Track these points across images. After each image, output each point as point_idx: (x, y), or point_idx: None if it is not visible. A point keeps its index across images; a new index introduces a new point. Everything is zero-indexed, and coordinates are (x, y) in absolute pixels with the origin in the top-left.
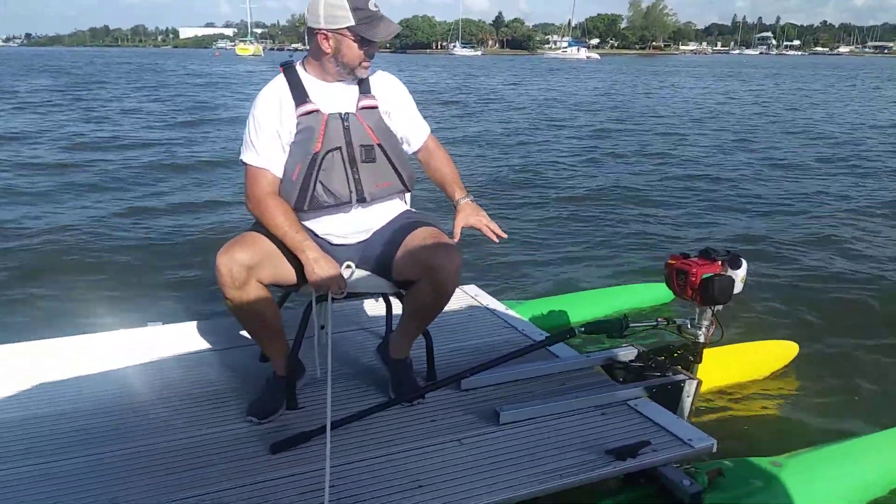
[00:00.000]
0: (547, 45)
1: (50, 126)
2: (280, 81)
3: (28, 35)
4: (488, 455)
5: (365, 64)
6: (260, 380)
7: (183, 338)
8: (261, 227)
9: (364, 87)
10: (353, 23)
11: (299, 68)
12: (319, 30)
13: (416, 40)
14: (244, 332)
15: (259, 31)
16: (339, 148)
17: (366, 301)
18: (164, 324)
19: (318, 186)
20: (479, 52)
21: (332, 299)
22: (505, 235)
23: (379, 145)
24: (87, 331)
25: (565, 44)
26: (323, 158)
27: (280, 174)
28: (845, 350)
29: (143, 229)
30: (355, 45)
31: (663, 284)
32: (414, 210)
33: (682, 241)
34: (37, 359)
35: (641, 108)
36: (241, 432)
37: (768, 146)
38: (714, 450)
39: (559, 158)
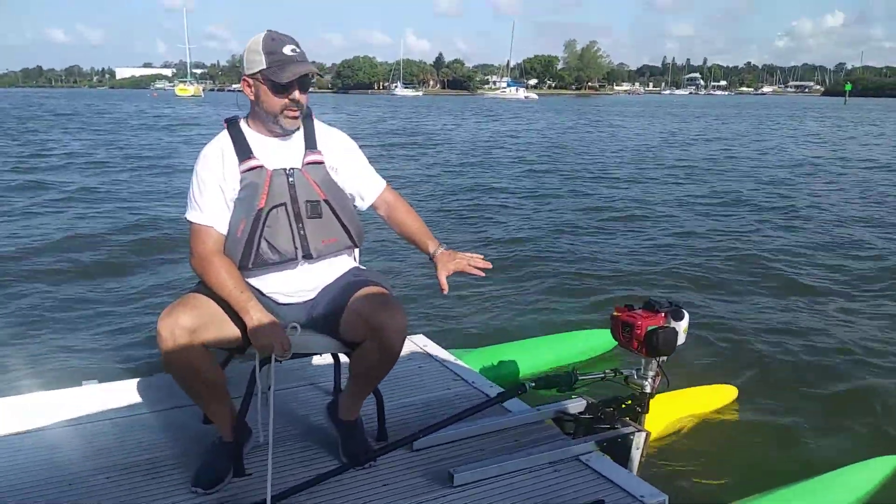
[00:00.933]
0: (486, 86)
1: None
2: (223, 137)
3: None
4: None
5: (288, 113)
6: (202, 444)
7: (120, 397)
8: (204, 287)
9: (310, 142)
10: (264, 66)
11: (243, 124)
12: (243, 77)
13: (357, 81)
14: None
15: (199, 71)
16: (284, 204)
17: (315, 356)
18: (99, 382)
19: (263, 243)
20: (420, 93)
21: (277, 361)
22: (489, 265)
23: (325, 201)
24: (15, 392)
25: (504, 84)
26: (267, 215)
27: (225, 231)
28: (782, 392)
29: (80, 283)
30: (271, 90)
31: (607, 331)
32: (362, 267)
33: (622, 283)
34: None
35: (581, 150)
36: None
37: (703, 185)
38: None
39: (503, 202)
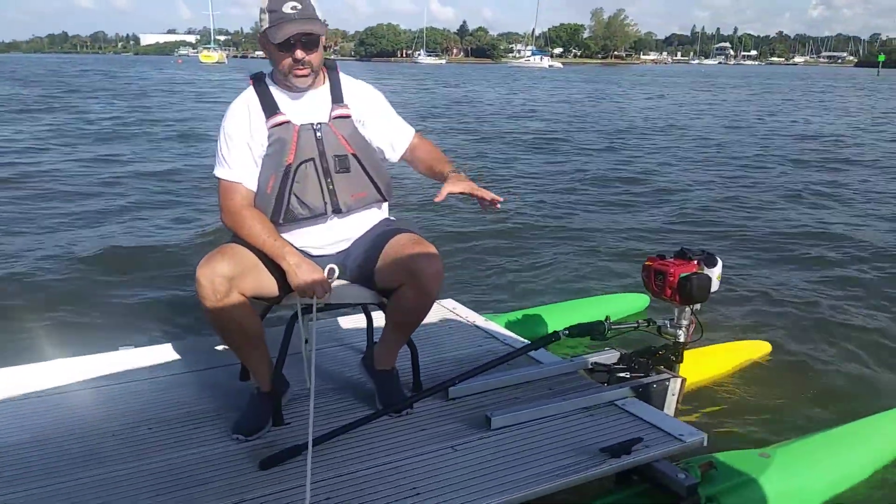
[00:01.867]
0: (511, 54)
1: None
2: (249, 93)
3: None
4: (483, 460)
5: (297, 72)
6: (239, 399)
7: (156, 360)
8: (240, 240)
9: (336, 96)
10: (267, 25)
11: (268, 80)
12: (258, 34)
13: (380, 48)
14: (221, 349)
15: (222, 38)
16: (313, 159)
17: (346, 316)
18: (135, 347)
19: (293, 199)
20: (443, 61)
21: (317, 308)
22: (501, 199)
23: (353, 155)
24: (55, 357)
25: (529, 53)
26: (296, 170)
27: (253, 187)
28: (815, 346)
29: (110, 250)
30: (275, 49)
31: (637, 294)
32: (393, 218)
33: (654, 248)
34: (4, 386)
35: (607, 115)
36: (228, 451)
37: (736, 152)
38: (705, 443)
39: (528, 171)
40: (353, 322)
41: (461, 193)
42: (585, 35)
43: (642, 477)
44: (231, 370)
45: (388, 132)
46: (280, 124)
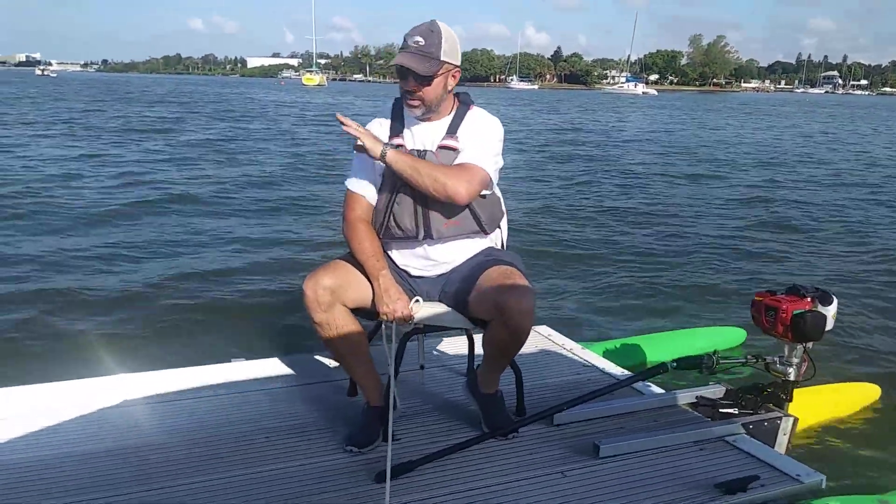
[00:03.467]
0: (605, 81)
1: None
2: (386, 110)
3: (104, 61)
4: (592, 487)
5: (408, 101)
6: (347, 414)
7: (267, 373)
8: (350, 256)
9: (452, 127)
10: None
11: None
12: None
13: (474, 73)
14: (329, 365)
15: (323, 61)
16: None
17: (452, 338)
18: (247, 359)
19: (391, 218)
20: (535, 86)
21: (400, 327)
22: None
23: None
24: (180, 365)
25: (623, 79)
26: (398, 192)
27: (374, 201)
28: None
29: (227, 267)
30: (397, 75)
31: (734, 328)
32: (498, 248)
33: (753, 280)
34: (133, 390)
35: (704, 145)
36: (340, 463)
37: (851, 188)
38: (823, 485)
39: (625, 199)
40: (458, 342)
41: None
42: (683, 62)
43: None
44: (338, 385)
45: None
46: (397, 147)
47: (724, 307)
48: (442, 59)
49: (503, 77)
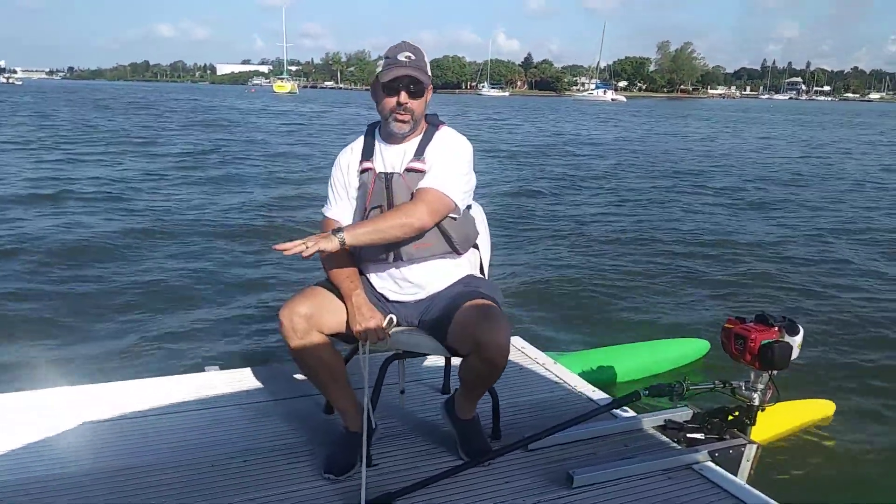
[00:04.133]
0: (575, 87)
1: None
2: (359, 139)
3: (70, 69)
4: None
5: (398, 116)
6: (326, 432)
7: (244, 385)
8: (326, 282)
9: (420, 149)
10: (379, 69)
11: (377, 129)
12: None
13: (446, 80)
14: (304, 379)
15: (293, 68)
16: (381, 206)
17: (431, 356)
18: (221, 368)
19: None
20: (506, 93)
21: (373, 346)
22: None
23: None
24: (148, 375)
25: (593, 86)
26: (368, 214)
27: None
28: (880, 407)
29: (199, 272)
30: (382, 91)
31: (699, 340)
32: (477, 275)
33: (714, 292)
34: (84, 406)
35: (673, 154)
36: (322, 491)
37: (807, 198)
38: None
39: (597, 209)
40: (436, 362)
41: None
42: (651, 69)
43: None
44: (315, 401)
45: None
46: (366, 170)
47: (689, 317)
48: (428, 73)
49: (474, 84)
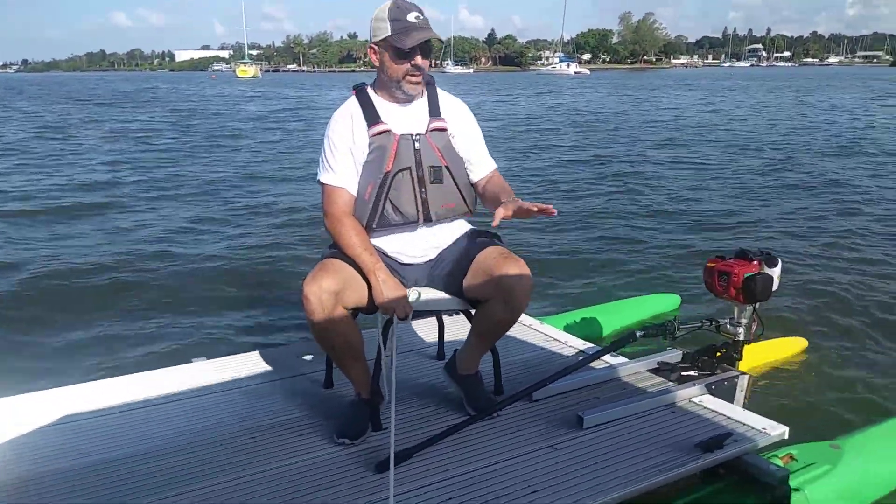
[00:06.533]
0: (539, 62)
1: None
2: (352, 103)
3: (24, 61)
4: (582, 458)
5: (411, 78)
6: (331, 406)
7: (234, 372)
8: (337, 251)
9: (433, 109)
10: (389, 33)
11: (370, 90)
12: (369, 44)
13: None
14: (297, 357)
15: (255, 52)
16: (409, 168)
17: (417, 321)
18: (208, 359)
19: (388, 205)
20: (471, 70)
21: (398, 322)
22: (551, 208)
23: (446, 167)
24: (137, 369)
25: (557, 60)
26: (393, 178)
27: (354, 192)
28: (850, 342)
29: (169, 262)
30: (394, 56)
31: (670, 295)
32: (478, 228)
33: (684, 251)
34: (85, 403)
35: (635, 121)
36: (337, 456)
37: (771, 156)
38: (786, 436)
39: (566, 172)
40: (423, 326)
41: (514, 216)
42: (615, 40)
43: (729, 470)
44: (311, 378)
45: (473, 157)
46: (381, 133)
47: (660, 274)
48: None
49: (438, 62)
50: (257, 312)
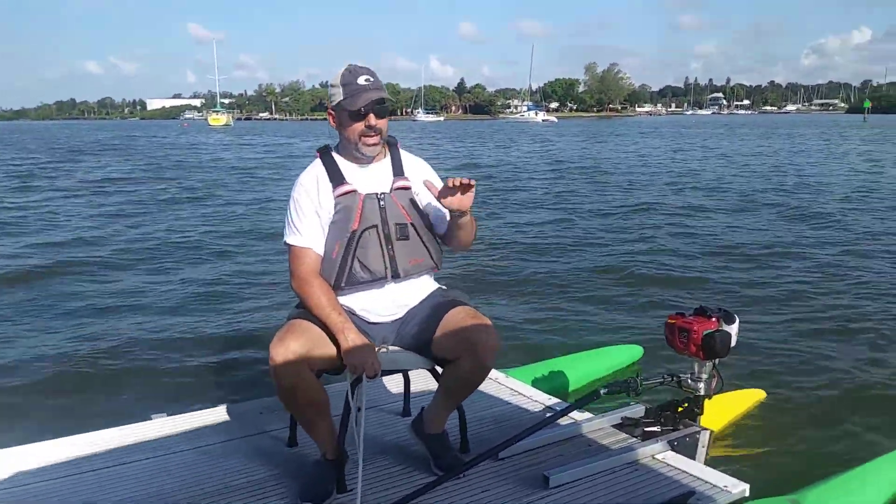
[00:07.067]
0: (508, 110)
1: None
2: (317, 165)
3: None
4: None
5: (367, 139)
6: (294, 466)
7: (195, 428)
8: (304, 311)
9: (397, 168)
10: (342, 97)
11: (334, 153)
12: (328, 109)
13: None
14: (260, 414)
15: (226, 101)
16: (376, 226)
17: (384, 377)
18: (169, 415)
19: (356, 263)
20: (441, 118)
21: (367, 380)
22: (469, 180)
23: (412, 224)
24: (93, 428)
25: (525, 108)
26: (360, 236)
27: (321, 253)
28: (809, 393)
29: (130, 312)
30: (349, 118)
31: (632, 346)
32: (445, 287)
33: (645, 303)
34: (34, 465)
35: (601, 168)
36: None
37: (723, 198)
38: (747, 493)
39: (528, 221)
40: (389, 382)
41: (440, 198)
42: (581, 89)
43: None
44: (274, 436)
45: (438, 210)
46: (346, 193)
47: (621, 325)
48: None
49: (409, 110)
50: (221, 367)
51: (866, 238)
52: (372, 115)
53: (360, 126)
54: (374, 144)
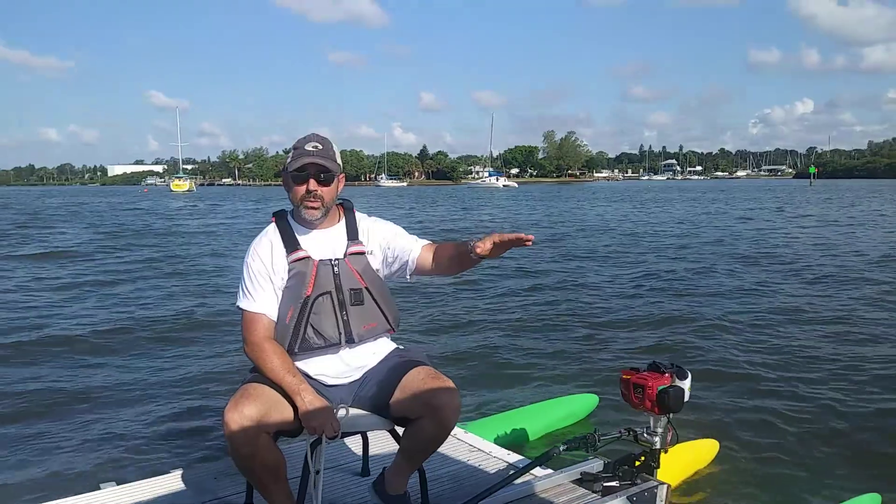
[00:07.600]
0: (470, 176)
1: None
2: (272, 229)
3: None
4: None
5: (308, 203)
6: None
7: (147, 498)
8: (259, 375)
9: (351, 233)
10: (288, 161)
11: (290, 218)
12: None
13: (345, 173)
14: (214, 480)
15: (189, 167)
16: (330, 292)
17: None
18: (117, 484)
19: (309, 329)
20: (404, 184)
21: (327, 441)
22: (529, 237)
23: (366, 288)
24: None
25: (486, 174)
26: (314, 302)
27: (275, 318)
28: (762, 441)
29: (86, 385)
30: (292, 181)
31: (588, 395)
32: (402, 347)
33: (598, 352)
34: None
35: (556, 231)
36: None
37: (662, 259)
38: None
39: (489, 277)
40: (347, 442)
41: (495, 251)
42: (540, 156)
43: None
44: (229, 502)
45: (404, 245)
46: (300, 259)
47: (575, 374)
48: (338, 162)
49: (373, 176)
50: (173, 432)
51: (817, 287)
52: (312, 181)
53: (301, 190)
54: (315, 209)
